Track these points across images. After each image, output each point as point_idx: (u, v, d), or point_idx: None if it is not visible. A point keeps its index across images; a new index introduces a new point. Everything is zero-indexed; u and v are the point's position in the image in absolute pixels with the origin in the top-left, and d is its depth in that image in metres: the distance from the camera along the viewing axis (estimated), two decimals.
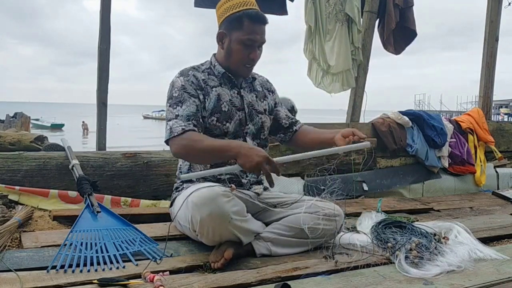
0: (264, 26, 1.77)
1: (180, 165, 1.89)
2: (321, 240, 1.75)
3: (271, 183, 1.58)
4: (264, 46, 1.82)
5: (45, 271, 1.43)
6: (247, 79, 1.91)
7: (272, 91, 2.03)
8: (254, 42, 1.75)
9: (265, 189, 1.92)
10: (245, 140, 1.83)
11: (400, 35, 3.54)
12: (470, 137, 3.59)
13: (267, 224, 1.79)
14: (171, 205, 1.87)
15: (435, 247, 1.73)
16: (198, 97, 1.75)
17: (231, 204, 1.56)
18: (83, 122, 26.83)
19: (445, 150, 3.34)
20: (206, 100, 1.77)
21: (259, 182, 1.90)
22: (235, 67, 1.80)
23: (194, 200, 1.56)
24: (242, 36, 1.73)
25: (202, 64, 1.87)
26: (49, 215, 2.04)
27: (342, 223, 1.82)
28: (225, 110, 1.78)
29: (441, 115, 3.84)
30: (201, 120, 1.73)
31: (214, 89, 1.80)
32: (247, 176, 1.84)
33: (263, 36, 1.77)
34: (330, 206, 1.78)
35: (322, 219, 1.73)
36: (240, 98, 1.84)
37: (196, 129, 1.68)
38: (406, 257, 1.63)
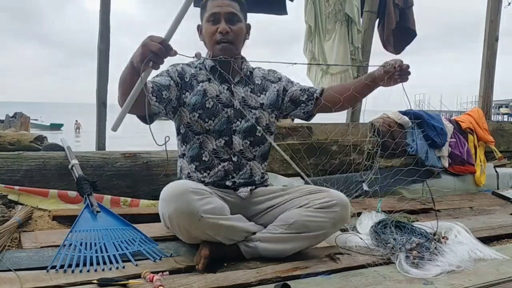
0: (227, 0, 1.72)
1: (181, 165, 1.85)
2: (318, 233, 1.65)
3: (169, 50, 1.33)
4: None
5: (45, 271, 1.43)
6: (243, 71, 1.82)
7: (278, 79, 1.92)
8: (218, 15, 1.70)
9: (254, 189, 1.81)
10: (231, 139, 1.75)
11: (400, 35, 3.54)
12: (470, 137, 3.59)
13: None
14: None
15: (435, 247, 1.73)
16: (176, 81, 1.72)
17: (203, 202, 1.51)
18: (76, 121, 26.93)
19: (445, 150, 3.34)
20: (188, 93, 1.75)
21: (247, 184, 1.79)
22: (211, 48, 1.76)
23: (162, 196, 1.56)
24: (206, 15, 1.74)
25: (196, 60, 1.82)
26: (49, 215, 2.03)
27: (344, 212, 1.67)
28: (209, 106, 1.74)
29: (441, 115, 3.83)
30: (163, 95, 1.65)
31: (201, 84, 1.76)
32: (232, 178, 1.77)
33: (226, 8, 1.71)
34: (326, 196, 1.67)
35: (316, 211, 1.63)
36: (230, 93, 1.77)
37: (150, 85, 1.60)
38: (406, 257, 1.63)
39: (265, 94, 1.86)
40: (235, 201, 1.75)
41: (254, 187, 1.81)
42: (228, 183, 1.77)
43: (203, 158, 1.76)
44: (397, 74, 1.65)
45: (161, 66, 1.38)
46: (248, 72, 1.86)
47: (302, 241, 1.65)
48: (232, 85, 1.79)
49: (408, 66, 1.65)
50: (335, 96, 1.81)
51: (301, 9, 3.37)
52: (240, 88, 1.81)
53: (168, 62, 1.43)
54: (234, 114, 1.77)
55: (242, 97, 1.79)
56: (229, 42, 1.72)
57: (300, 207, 1.66)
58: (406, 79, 1.69)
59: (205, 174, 1.77)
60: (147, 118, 1.52)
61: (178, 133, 1.82)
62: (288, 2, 3.46)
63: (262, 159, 1.87)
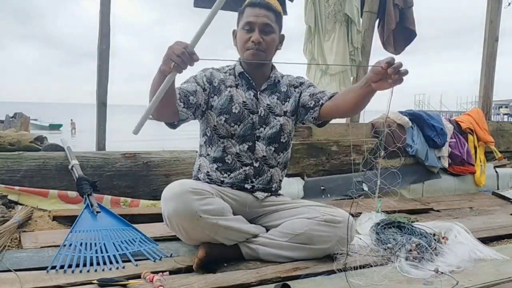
0: (264, 10, 1.73)
1: (200, 164, 1.84)
2: (322, 247, 1.65)
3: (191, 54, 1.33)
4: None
5: (45, 271, 1.43)
6: (269, 81, 1.83)
7: (299, 84, 1.89)
8: (253, 24, 1.72)
9: (270, 195, 1.83)
10: (254, 145, 1.78)
11: (400, 35, 3.54)
12: (470, 137, 3.59)
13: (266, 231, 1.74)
14: None
15: (435, 248, 1.73)
16: (203, 87, 1.74)
17: (202, 203, 1.53)
18: (71, 120, 26.71)
19: (445, 150, 3.34)
20: (216, 97, 1.76)
21: (265, 190, 1.82)
22: (242, 55, 1.78)
23: (163, 194, 1.57)
24: (242, 22, 1.75)
25: (227, 66, 1.86)
26: (49, 215, 2.04)
27: (349, 230, 1.64)
28: (236, 112, 1.76)
29: (441, 115, 3.83)
30: (190, 101, 1.67)
31: (228, 89, 1.78)
32: (252, 182, 1.79)
33: (262, 18, 1.72)
34: (333, 212, 1.69)
35: (321, 224, 1.64)
36: (256, 100, 1.80)
37: (177, 91, 1.63)
38: (406, 258, 1.63)
39: (289, 101, 1.87)
40: (246, 200, 1.76)
41: (270, 194, 1.83)
42: (247, 186, 1.78)
43: (226, 161, 1.77)
44: (387, 74, 1.39)
45: (184, 70, 1.38)
46: (276, 81, 1.86)
47: (304, 251, 1.65)
48: (259, 92, 1.81)
49: (400, 65, 1.37)
50: (336, 104, 1.75)
51: (301, 9, 3.37)
52: (266, 96, 1.83)
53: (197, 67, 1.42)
54: (259, 121, 1.79)
55: (267, 104, 1.81)
56: (261, 49, 1.74)
57: (307, 218, 1.66)
58: (399, 81, 1.39)
59: (225, 175, 1.78)
60: (173, 122, 1.64)
61: (204, 134, 1.83)
62: (288, 2, 3.45)
63: (283, 167, 1.89)
